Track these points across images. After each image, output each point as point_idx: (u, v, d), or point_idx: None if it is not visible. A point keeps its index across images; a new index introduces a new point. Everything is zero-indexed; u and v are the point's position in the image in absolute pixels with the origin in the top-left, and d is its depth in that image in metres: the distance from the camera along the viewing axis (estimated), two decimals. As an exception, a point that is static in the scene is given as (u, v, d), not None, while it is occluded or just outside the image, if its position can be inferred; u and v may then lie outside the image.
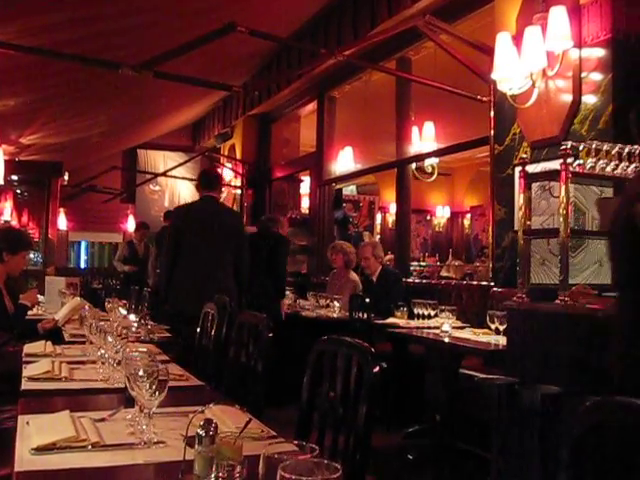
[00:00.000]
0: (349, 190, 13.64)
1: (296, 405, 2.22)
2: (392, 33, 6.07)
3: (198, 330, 3.78)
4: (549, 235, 3.76)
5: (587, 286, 3.56)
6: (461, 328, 5.02)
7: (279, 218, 7.24)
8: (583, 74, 4.50)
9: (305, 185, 10.71)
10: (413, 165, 7.55)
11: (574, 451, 1.33)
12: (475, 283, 6.55)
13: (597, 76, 4.41)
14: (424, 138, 7.38)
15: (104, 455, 1.66)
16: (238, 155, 11.30)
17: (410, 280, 7.13)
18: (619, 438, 1.26)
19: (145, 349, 2.45)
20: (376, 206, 14.13)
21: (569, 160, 3.38)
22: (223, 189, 11.35)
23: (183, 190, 13.61)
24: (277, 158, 10.89)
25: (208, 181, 5.54)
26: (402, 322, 5.53)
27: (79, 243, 14.66)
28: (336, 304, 6.41)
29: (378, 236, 13.57)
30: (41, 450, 1.66)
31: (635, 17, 4.38)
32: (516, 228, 4.14)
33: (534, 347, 3.36)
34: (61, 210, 12.38)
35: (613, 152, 3.65)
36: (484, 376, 3.98)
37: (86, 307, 4.27)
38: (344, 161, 9.05)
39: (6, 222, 11.05)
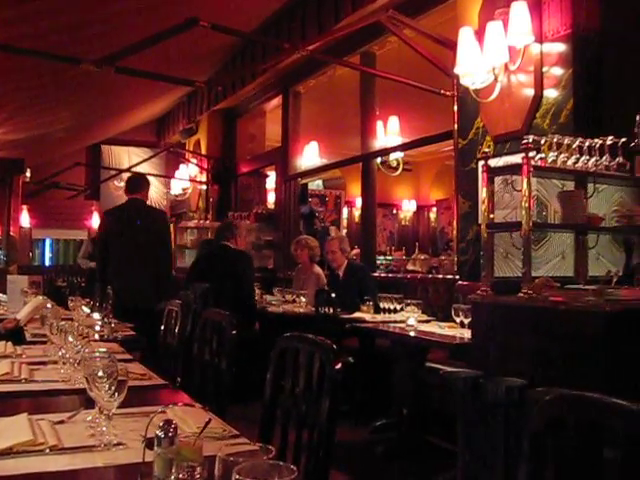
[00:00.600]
0: (315, 185, 13.64)
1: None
2: (356, 28, 6.06)
3: (162, 328, 3.75)
4: (512, 228, 3.78)
5: (550, 279, 3.60)
6: (427, 322, 5.05)
7: (237, 225, 6.73)
8: (544, 69, 4.54)
9: (271, 180, 10.68)
10: (378, 159, 7.56)
11: (534, 444, 1.34)
12: (441, 277, 6.59)
13: (558, 71, 4.45)
14: (389, 132, 7.41)
15: (62, 458, 1.63)
16: (203, 150, 11.24)
17: (376, 274, 7.16)
18: (577, 432, 1.27)
19: (106, 349, 2.41)
20: (342, 200, 14.14)
21: (531, 154, 3.41)
22: (188, 185, 11.40)
23: (148, 186, 13.47)
24: (243, 153, 10.85)
25: (133, 185, 6.26)
26: (368, 316, 5.54)
27: (43, 240, 14.42)
28: (302, 299, 6.40)
29: (344, 230, 13.59)
30: (-3, 455, 1.62)
31: (595, 12, 4.43)
32: (480, 222, 4.17)
33: (498, 340, 3.39)
34: (24, 207, 12.20)
35: (574, 146, 3.69)
36: (449, 369, 4.00)
37: (48, 306, 4.21)
38: (309, 156, 9.06)
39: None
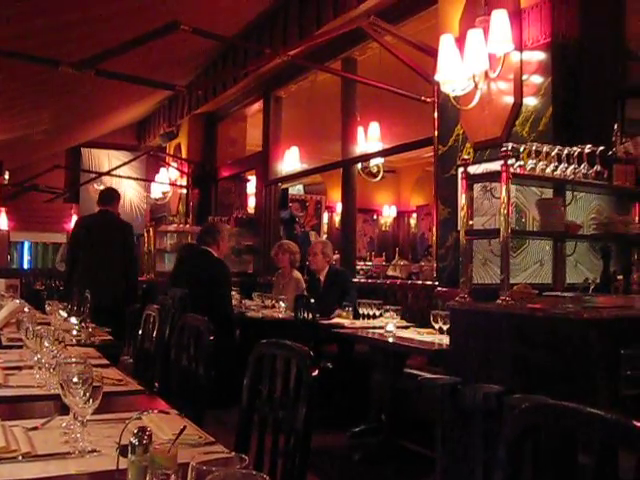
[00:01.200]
0: (296, 190, 13.63)
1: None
2: (337, 33, 6.08)
3: (140, 333, 3.72)
4: (490, 235, 3.80)
5: (528, 285, 3.61)
6: (405, 328, 5.05)
7: (220, 230, 6.59)
8: (524, 77, 4.57)
9: (251, 185, 10.67)
10: (359, 165, 7.57)
11: (509, 452, 1.34)
12: (420, 283, 6.60)
13: (537, 79, 4.48)
14: (369, 138, 7.42)
15: (35, 466, 1.61)
16: (184, 154, 11.21)
17: (356, 280, 7.16)
18: (552, 440, 1.27)
19: (78, 354, 2.39)
20: (323, 206, 14.14)
21: (510, 161, 3.42)
22: (168, 189, 11.36)
23: (128, 190, 13.42)
24: (223, 157, 10.83)
25: (104, 198, 6.84)
26: (347, 322, 5.53)
27: (22, 243, 14.30)
28: (282, 304, 6.39)
29: (325, 235, 13.60)
30: (-31, 462, 1.60)
31: (574, 22, 4.47)
32: (459, 228, 4.18)
33: (476, 346, 3.39)
34: (2, 210, 12.08)
35: (553, 154, 3.71)
36: (428, 375, 4.01)
37: (25, 310, 4.16)
38: (290, 161, 9.05)
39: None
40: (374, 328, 5.06)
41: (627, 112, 4.40)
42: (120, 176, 12.34)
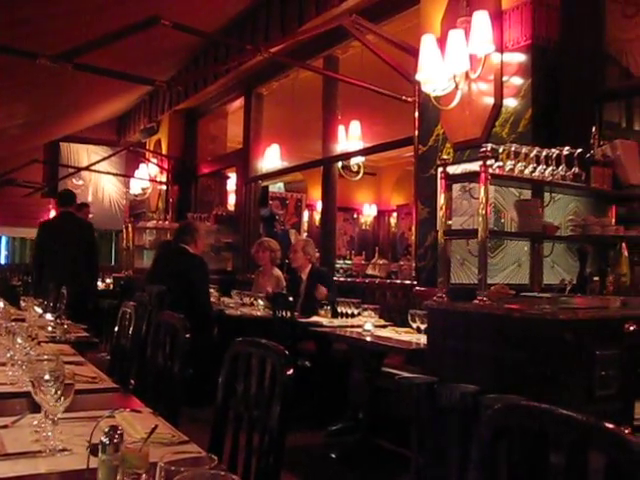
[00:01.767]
0: (277, 187, 13.59)
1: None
2: (319, 31, 6.08)
3: (116, 329, 3.69)
4: (468, 236, 3.81)
5: (505, 286, 3.63)
6: (383, 327, 5.06)
7: (196, 228, 6.59)
8: (504, 78, 4.59)
9: (231, 182, 10.63)
10: (339, 164, 7.57)
11: (482, 452, 1.34)
12: (399, 282, 6.61)
13: (518, 80, 4.50)
14: (350, 137, 7.42)
15: (4, 465, 1.58)
16: (164, 150, 11.15)
17: (335, 278, 7.16)
18: (524, 440, 1.27)
19: (51, 351, 2.36)
20: (303, 204, 14.11)
21: (489, 162, 3.43)
22: (148, 185, 11.30)
23: (107, 185, 13.35)
24: (204, 154, 10.78)
25: (63, 200, 7.54)
26: (325, 321, 5.52)
27: (-1, 238, 14.19)
28: (260, 302, 6.37)
29: (305, 234, 13.57)
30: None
31: (554, 24, 4.49)
32: (438, 228, 4.19)
33: (453, 346, 3.40)
34: (-22, 204, 11.96)
35: (531, 155, 3.73)
36: (405, 375, 4.01)
37: (0, 305, 4.13)
38: (271, 158, 9.03)
39: None
40: (352, 327, 5.06)
41: (605, 115, 4.45)
42: (99, 171, 12.27)
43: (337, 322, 5.41)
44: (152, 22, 4.72)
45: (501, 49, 4.58)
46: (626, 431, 2.91)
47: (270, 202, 11.25)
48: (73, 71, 5.09)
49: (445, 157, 4.65)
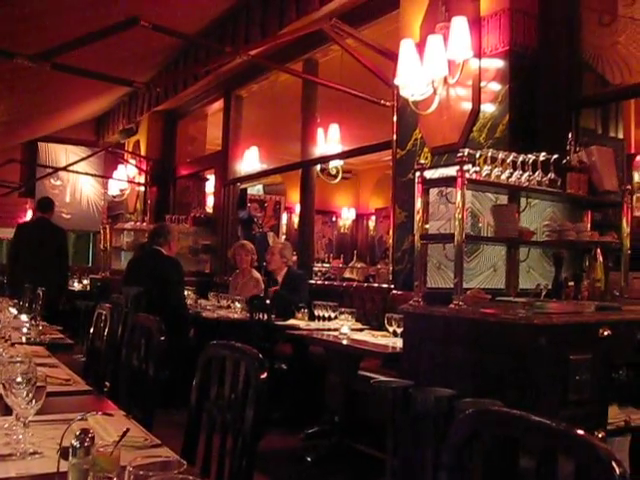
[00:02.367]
0: (256, 190, 13.57)
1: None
2: (299, 35, 6.08)
3: (91, 331, 3.67)
4: (445, 240, 3.83)
5: (481, 290, 3.65)
6: (360, 330, 5.06)
7: (170, 230, 6.59)
8: (482, 83, 4.62)
9: (210, 184, 10.60)
10: (318, 167, 7.57)
11: (453, 457, 1.35)
12: (376, 285, 6.62)
13: (495, 86, 4.53)
14: (329, 140, 7.42)
15: (-26, 467, 1.57)
16: (143, 151, 11.09)
17: (313, 281, 7.16)
18: (496, 446, 1.28)
19: (25, 353, 2.34)
20: (282, 206, 14.10)
21: (466, 167, 3.45)
22: (126, 186, 11.24)
23: (85, 186, 13.26)
24: (183, 156, 10.75)
25: (41, 206, 8.16)
26: (302, 324, 5.52)
27: (-25, 238, 14.02)
28: (237, 305, 6.36)
29: (283, 236, 13.56)
30: None
31: (531, 31, 4.53)
32: (415, 232, 4.21)
33: (429, 350, 3.41)
34: (-46, 203, 11.83)
35: (508, 160, 3.76)
36: (380, 378, 4.01)
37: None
38: (250, 161, 9.02)
39: None
40: (329, 330, 5.06)
41: (581, 122, 4.50)
42: (77, 172, 12.19)
43: (314, 325, 5.41)
44: (131, 23, 4.70)
45: (479, 55, 4.61)
46: (600, 435, 2.94)
47: (248, 204, 11.25)
48: (51, 71, 5.06)
49: (423, 162, 4.68)
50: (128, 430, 1.43)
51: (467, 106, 4.67)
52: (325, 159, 7.44)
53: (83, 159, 11.84)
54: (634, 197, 4.95)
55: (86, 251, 14.30)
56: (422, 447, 3.26)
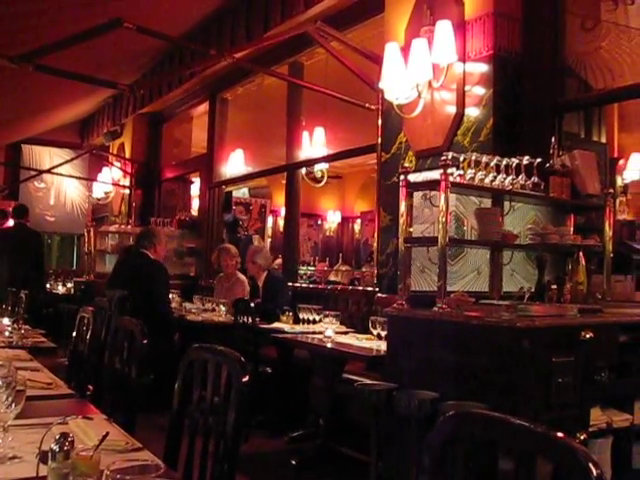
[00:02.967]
0: (241, 193, 13.55)
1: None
2: (284, 38, 6.08)
3: (74, 334, 3.65)
4: (429, 243, 3.84)
5: (465, 293, 3.66)
6: (345, 333, 5.07)
7: (156, 233, 6.62)
8: (467, 87, 4.63)
9: (195, 187, 10.58)
10: (303, 170, 7.57)
11: (434, 459, 1.35)
12: (361, 288, 6.63)
13: (480, 90, 4.55)
14: (314, 143, 7.42)
15: (-48, 472, 1.56)
16: (127, 154, 11.06)
17: (297, 285, 7.15)
18: (476, 449, 1.28)
19: (6, 356, 2.33)
20: (267, 209, 14.08)
21: (449, 170, 3.46)
22: (111, 189, 11.20)
23: (70, 188, 13.19)
24: (167, 158, 10.73)
25: (18, 212, 8.91)
26: (287, 327, 5.52)
27: (-43, 241, 13.88)
28: (222, 308, 6.35)
29: (269, 239, 13.55)
30: None
31: (515, 35, 4.55)
32: (399, 235, 4.21)
33: (412, 353, 3.42)
34: (-64, 205, 11.71)
35: (492, 164, 3.78)
36: (365, 381, 4.02)
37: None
38: (235, 163, 9.00)
39: None
40: (314, 333, 5.06)
41: (565, 126, 4.52)
42: (62, 174, 12.12)
43: (298, 328, 5.41)
44: (115, 25, 4.68)
45: (464, 59, 4.63)
46: (582, 437, 2.96)
47: (234, 207, 11.24)
48: (35, 72, 5.03)
49: (407, 165, 4.69)
50: (108, 434, 1.42)
51: (451, 110, 4.68)
52: (310, 162, 7.44)
53: (67, 161, 11.79)
54: (617, 201, 5.00)
55: (70, 254, 14.22)
56: (406, 449, 3.26)
